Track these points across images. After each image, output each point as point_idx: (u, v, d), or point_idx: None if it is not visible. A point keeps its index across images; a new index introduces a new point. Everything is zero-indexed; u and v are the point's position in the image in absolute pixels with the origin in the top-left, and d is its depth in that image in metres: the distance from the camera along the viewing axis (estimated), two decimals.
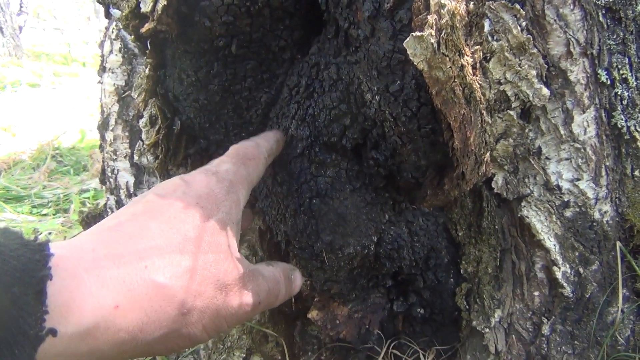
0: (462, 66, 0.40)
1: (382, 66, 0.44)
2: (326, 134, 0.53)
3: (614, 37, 0.57)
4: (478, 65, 0.43)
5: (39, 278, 0.30)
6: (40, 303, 0.29)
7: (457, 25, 0.39)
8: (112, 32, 0.67)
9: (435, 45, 0.38)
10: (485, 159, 0.47)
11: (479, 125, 0.44)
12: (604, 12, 0.56)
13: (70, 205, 1.94)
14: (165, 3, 0.48)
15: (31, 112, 3.17)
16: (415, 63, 0.38)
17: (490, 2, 0.53)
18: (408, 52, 0.38)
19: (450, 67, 0.39)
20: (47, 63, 5.09)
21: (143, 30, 0.51)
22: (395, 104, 0.45)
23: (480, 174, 0.48)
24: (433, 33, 0.37)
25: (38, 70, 4.53)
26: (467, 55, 0.40)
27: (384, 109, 0.47)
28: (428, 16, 0.38)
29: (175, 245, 0.38)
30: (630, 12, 0.56)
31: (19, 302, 0.28)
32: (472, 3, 0.42)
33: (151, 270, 0.36)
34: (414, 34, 0.37)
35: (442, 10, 0.37)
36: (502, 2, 0.53)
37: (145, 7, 0.49)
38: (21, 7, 5.80)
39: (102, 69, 0.70)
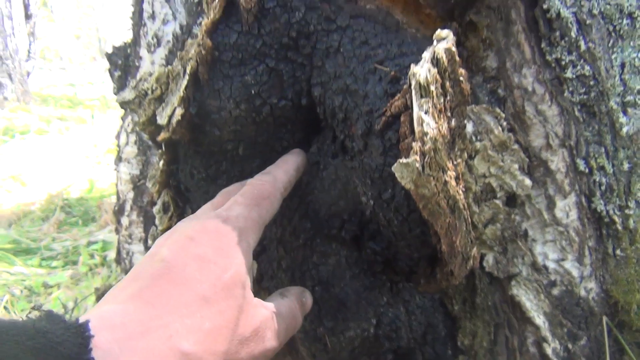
0: (446, 182, 0.45)
1: (375, 176, 0.49)
2: (326, 227, 0.58)
3: (590, 129, 0.62)
4: (461, 175, 0.48)
5: None
6: None
7: (440, 147, 0.43)
8: (128, 125, 0.73)
9: (420, 168, 0.42)
10: (472, 254, 0.52)
11: (464, 229, 0.48)
12: (579, 107, 0.61)
13: (79, 257, 1.99)
14: (180, 118, 0.53)
15: (40, 160, 3.25)
16: (402, 184, 0.43)
17: (473, 105, 0.58)
18: (396, 175, 0.43)
19: (435, 184, 0.44)
20: (55, 107, 5.22)
21: (159, 138, 0.56)
22: (387, 209, 0.50)
23: (468, 268, 0.52)
24: (418, 159, 0.42)
25: (46, 115, 4.65)
26: (450, 170, 0.45)
27: (378, 212, 0.51)
28: (413, 142, 0.43)
29: (196, 309, 0.40)
30: (604, 107, 0.61)
31: None
32: (453, 120, 0.47)
33: (176, 338, 0.39)
34: (401, 161, 0.42)
35: (425, 138, 0.42)
36: (484, 106, 0.58)
37: (161, 121, 0.54)
38: (30, 53, 5.97)
39: (119, 159, 0.75)
